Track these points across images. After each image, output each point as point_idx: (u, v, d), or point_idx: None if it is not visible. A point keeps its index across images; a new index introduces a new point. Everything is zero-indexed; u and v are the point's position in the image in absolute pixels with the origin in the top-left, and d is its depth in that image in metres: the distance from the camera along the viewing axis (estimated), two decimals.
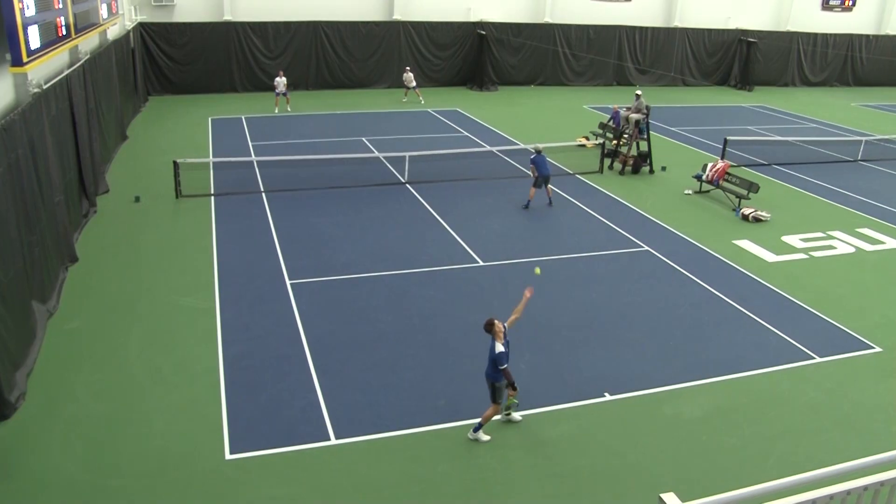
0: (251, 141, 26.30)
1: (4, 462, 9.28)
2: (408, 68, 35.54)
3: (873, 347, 13.01)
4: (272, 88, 33.83)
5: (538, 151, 19.77)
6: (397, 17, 37.87)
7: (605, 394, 11.23)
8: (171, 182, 19.78)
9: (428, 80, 38.56)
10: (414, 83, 34.78)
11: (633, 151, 24.33)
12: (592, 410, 10.86)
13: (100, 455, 9.46)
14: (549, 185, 20.00)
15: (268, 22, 35.47)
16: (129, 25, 30.29)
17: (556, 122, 31.80)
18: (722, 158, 23.26)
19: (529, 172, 20.18)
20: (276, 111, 31.33)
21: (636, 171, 23.87)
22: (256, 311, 13.44)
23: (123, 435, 9.88)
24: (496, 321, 9.89)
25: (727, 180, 21.14)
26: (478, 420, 10.07)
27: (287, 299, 13.98)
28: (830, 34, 46.86)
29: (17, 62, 12.89)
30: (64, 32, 16.41)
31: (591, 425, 10.52)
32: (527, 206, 19.74)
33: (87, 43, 21.10)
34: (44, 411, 10.33)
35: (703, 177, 21.72)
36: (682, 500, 4.42)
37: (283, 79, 31.48)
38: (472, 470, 9.46)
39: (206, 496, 8.87)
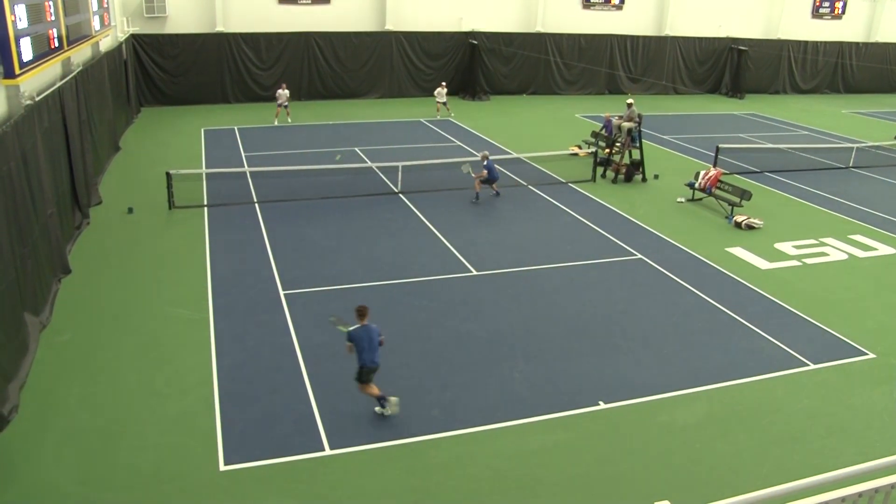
0: (244, 152, 26.29)
1: None
2: (443, 83, 35.23)
3: (867, 354, 13.04)
4: (265, 99, 34.04)
5: (486, 158, 21.40)
6: (389, 27, 37.98)
7: (599, 402, 11.23)
8: (164, 193, 19.75)
9: (420, 90, 38.68)
10: (444, 98, 34.23)
11: (626, 160, 24.40)
12: (586, 419, 10.86)
13: (93, 468, 9.41)
14: (477, 179, 21.33)
15: (260, 33, 35.51)
16: (122, 37, 30.30)
17: (548, 131, 31.89)
18: (714, 166, 23.34)
19: (476, 175, 21.28)
20: (276, 122, 31.29)
21: (629, 179, 23.95)
22: (250, 322, 13.41)
23: (117, 447, 9.83)
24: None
25: (720, 188, 21.22)
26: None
27: (281, 310, 13.96)
28: (821, 42, 47.19)
29: (10, 74, 12.91)
30: (56, 44, 16.42)
31: (586, 434, 10.52)
32: (476, 199, 21.23)
33: (80, 55, 21.10)
34: (36, 424, 10.27)
35: (696, 185, 21.80)
36: None
37: (286, 91, 31.33)
38: (467, 480, 9.44)
39: None
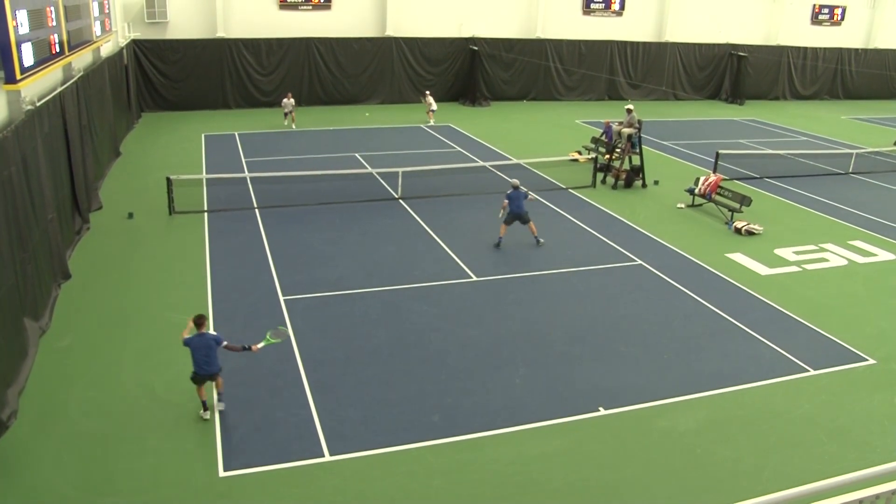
0: (244, 157, 26.32)
1: None
2: (427, 92, 35.45)
3: (867, 359, 13.03)
4: (265, 104, 34.44)
5: (515, 187, 18.03)
6: (390, 33, 38.05)
7: (600, 408, 11.22)
8: (164, 198, 19.76)
9: (420, 95, 38.71)
10: (434, 106, 34.42)
11: (626, 166, 24.41)
12: (587, 425, 10.85)
13: (93, 473, 9.39)
14: (531, 224, 18.03)
15: (260, 38, 35.58)
16: (123, 42, 30.35)
17: (548, 136, 31.92)
18: (714, 172, 23.36)
19: (500, 209, 18.07)
20: (286, 123, 31.89)
21: (629, 185, 23.96)
22: (250, 328, 13.39)
23: (116, 452, 9.82)
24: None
25: (719, 194, 21.23)
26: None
27: (280, 315, 13.95)
28: (820, 48, 47.30)
29: (11, 79, 12.93)
30: (57, 50, 16.45)
31: (586, 440, 10.51)
32: (498, 245, 17.93)
33: (81, 60, 21.14)
34: (36, 430, 10.26)
35: (696, 190, 21.81)
36: None
37: (291, 100, 31.98)
38: (467, 485, 9.42)
39: None
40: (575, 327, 13.94)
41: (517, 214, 17.85)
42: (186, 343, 10.42)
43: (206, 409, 10.66)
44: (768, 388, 12.00)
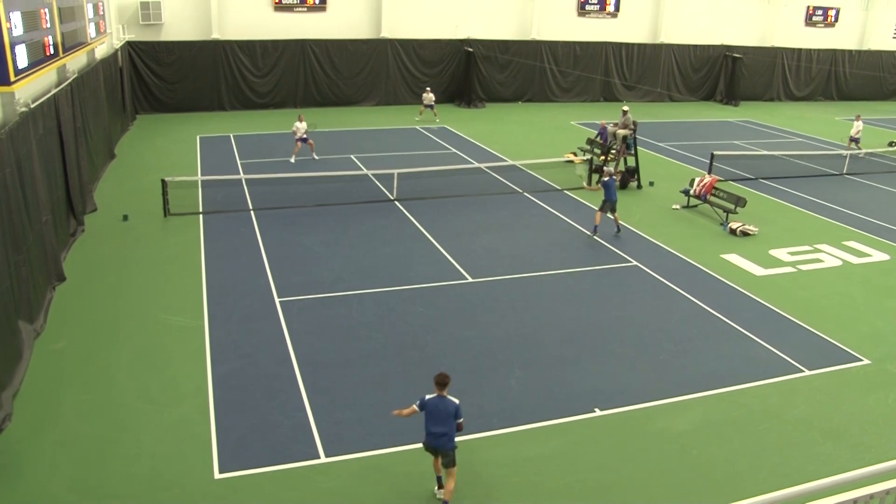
0: (239, 159, 26.28)
1: None
2: (428, 88, 35.75)
3: (862, 360, 13.07)
4: (260, 106, 34.14)
5: (609, 175, 19.14)
6: (385, 34, 38.04)
7: (595, 409, 11.23)
8: (159, 200, 19.74)
9: (416, 97, 38.69)
10: (427, 101, 35.08)
11: (621, 167, 24.45)
12: (582, 426, 10.86)
13: (87, 476, 9.37)
14: (616, 214, 19.11)
15: (256, 40, 35.53)
16: (118, 44, 30.30)
17: (543, 138, 31.94)
18: (709, 173, 23.40)
19: (590, 187, 19.04)
20: (292, 161, 25.89)
21: (624, 186, 23.97)
22: (245, 330, 13.38)
23: (111, 455, 9.79)
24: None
25: (714, 195, 21.27)
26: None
27: (276, 317, 13.94)
28: (814, 49, 47.44)
29: (5, 81, 12.90)
30: (52, 51, 16.42)
31: (582, 441, 10.51)
32: (594, 232, 19.06)
33: (75, 62, 21.10)
34: (30, 432, 10.23)
35: (691, 191, 21.85)
36: None
37: (304, 124, 26.01)
38: (463, 487, 9.40)
39: None
40: (570, 328, 13.95)
41: (612, 202, 18.87)
42: (421, 406, 8.88)
43: (440, 486, 9.19)
44: (763, 388, 12.03)
